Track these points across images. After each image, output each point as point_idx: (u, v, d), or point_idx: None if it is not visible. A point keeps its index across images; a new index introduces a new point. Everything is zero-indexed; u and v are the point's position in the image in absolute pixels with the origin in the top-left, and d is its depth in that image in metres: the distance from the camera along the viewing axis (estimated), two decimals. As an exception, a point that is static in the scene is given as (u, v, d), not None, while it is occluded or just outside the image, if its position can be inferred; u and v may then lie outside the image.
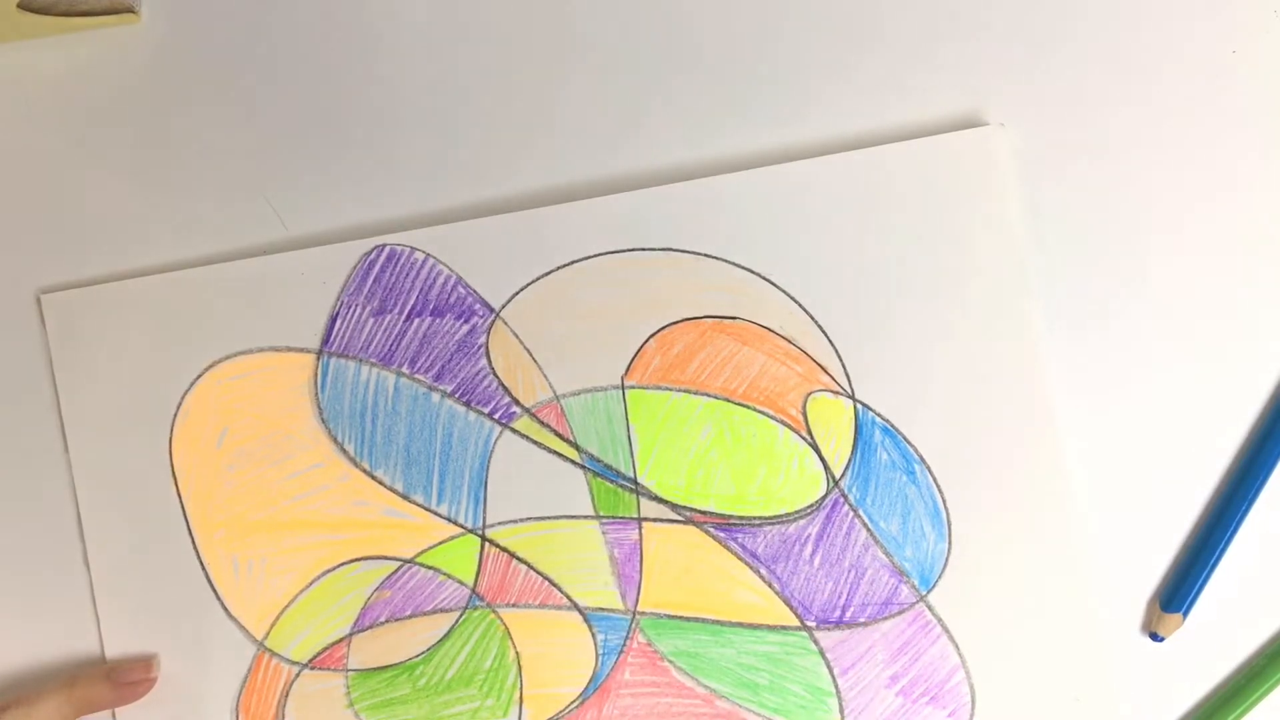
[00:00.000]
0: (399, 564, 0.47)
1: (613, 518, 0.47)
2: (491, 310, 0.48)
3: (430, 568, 0.47)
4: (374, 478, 0.47)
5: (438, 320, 0.48)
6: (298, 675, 0.47)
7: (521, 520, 0.47)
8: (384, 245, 0.48)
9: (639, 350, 0.47)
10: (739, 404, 0.47)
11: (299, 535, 0.47)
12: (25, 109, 0.49)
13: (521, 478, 0.47)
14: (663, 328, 0.47)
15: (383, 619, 0.47)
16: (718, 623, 0.47)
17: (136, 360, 0.48)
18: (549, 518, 0.47)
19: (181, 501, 0.47)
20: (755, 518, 0.47)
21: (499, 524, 0.47)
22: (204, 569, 0.47)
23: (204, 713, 0.47)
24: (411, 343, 0.48)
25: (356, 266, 0.48)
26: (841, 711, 0.47)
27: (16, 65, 0.48)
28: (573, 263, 0.47)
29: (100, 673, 0.46)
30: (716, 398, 0.47)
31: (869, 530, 0.47)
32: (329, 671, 0.47)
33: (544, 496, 0.47)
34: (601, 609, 0.47)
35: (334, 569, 0.47)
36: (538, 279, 0.47)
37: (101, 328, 0.48)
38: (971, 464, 0.47)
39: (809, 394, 0.47)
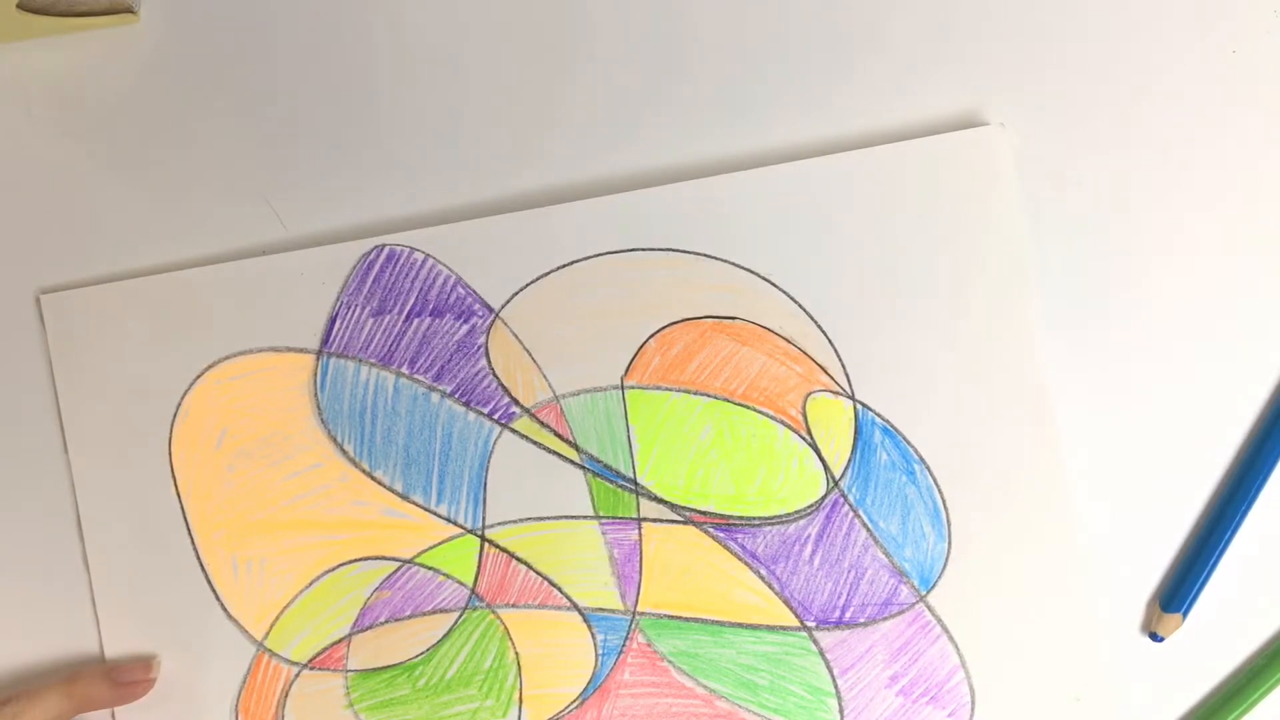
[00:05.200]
0: (398, 564, 0.47)
1: (612, 518, 0.47)
2: (491, 310, 0.48)
3: (430, 568, 0.47)
4: (373, 478, 0.47)
5: (437, 320, 0.47)
6: (297, 675, 0.47)
7: (521, 520, 0.47)
8: (383, 245, 0.48)
9: (639, 350, 0.47)
10: (739, 404, 0.47)
11: (298, 536, 0.47)
12: (25, 109, 0.49)
13: (521, 478, 0.47)
14: (662, 328, 0.47)
15: (382, 619, 0.47)
16: (717, 623, 0.47)
17: (136, 360, 0.48)
18: (548, 518, 0.47)
19: (181, 502, 0.47)
20: (755, 518, 0.47)
21: (498, 524, 0.47)
22: (203, 569, 0.47)
23: (203, 713, 0.47)
24: (411, 343, 0.48)
25: (356, 267, 0.48)
26: (841, 712, 0.47)
27: (16, 65, 0.48)
28: (573, 263, 0.47)
29: (100, 671, 0.46)
30: (716, 398, 0.47)
31: (869, 530, 0.47)
32: (328, 672, 0.47)
33: (543, 497, 0.47)
34: (601, 609, 0.47)
35: (333, 569, 0.47)
36: (537, 279, 0.47)
37: (101, 328, 0.48)
38: (971, 464, 0.47)
39: (809, 394, 0.47)
